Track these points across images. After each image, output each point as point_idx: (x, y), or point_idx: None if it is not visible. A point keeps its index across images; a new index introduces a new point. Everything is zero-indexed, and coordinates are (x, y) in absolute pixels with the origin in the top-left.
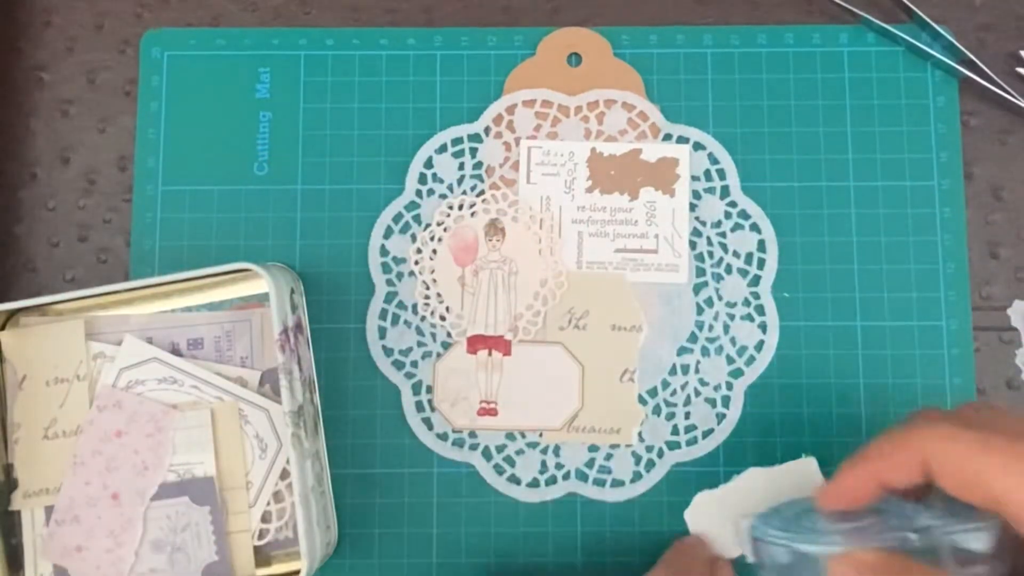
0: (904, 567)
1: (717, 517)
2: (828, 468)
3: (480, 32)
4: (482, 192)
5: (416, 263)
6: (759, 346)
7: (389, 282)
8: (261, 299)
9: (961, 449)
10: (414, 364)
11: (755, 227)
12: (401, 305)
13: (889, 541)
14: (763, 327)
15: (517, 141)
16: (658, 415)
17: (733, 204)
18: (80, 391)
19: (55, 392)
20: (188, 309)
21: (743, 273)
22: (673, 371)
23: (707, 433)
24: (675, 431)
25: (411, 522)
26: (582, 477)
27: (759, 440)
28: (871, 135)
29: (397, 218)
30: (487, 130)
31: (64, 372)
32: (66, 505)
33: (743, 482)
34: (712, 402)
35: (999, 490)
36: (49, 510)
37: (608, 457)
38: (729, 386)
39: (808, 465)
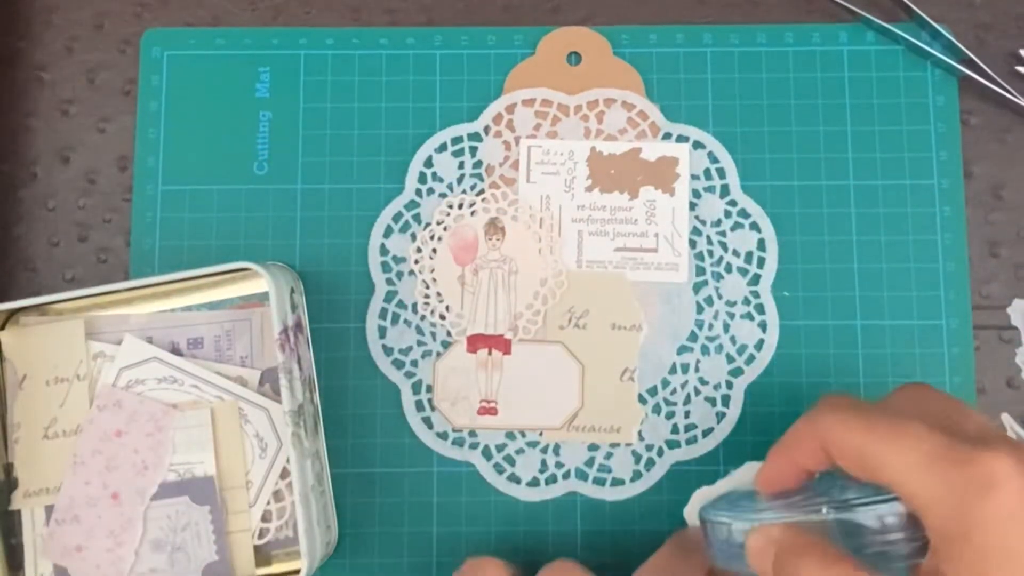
0: (810, 542)
1: None
2: None
3: (480, 32)
4: (482, 191)
5: (416, 262)
6: (759, 345)
7: (389, 281)
8: (261, 299)
9: (848, 432)
10: (414, 363)
11: (755, 226)
12: (401, 304)
13: (809, 514)
14: (763, 326)
15: (517, 140)
16: (658, 414)
17: (733, 203)
18: (80, 391)
19: (55, 392)
20: (188, 309)
21: (743, 272)
22: (673, 370)
23: (707, 432)
24: (675, 430)
25: (411, 521)
26: (582, 476)
27: (759, 439)
28: (871, 134)
29: (397, 217)
30: (487, 129)
31: (64, 372)
32: (66, 505)
33: (740, 476)
34: (712, 401)
35: (882, 467)
36: (49, 510)
37: (608, 456)
38: (729, 385)
39: None
